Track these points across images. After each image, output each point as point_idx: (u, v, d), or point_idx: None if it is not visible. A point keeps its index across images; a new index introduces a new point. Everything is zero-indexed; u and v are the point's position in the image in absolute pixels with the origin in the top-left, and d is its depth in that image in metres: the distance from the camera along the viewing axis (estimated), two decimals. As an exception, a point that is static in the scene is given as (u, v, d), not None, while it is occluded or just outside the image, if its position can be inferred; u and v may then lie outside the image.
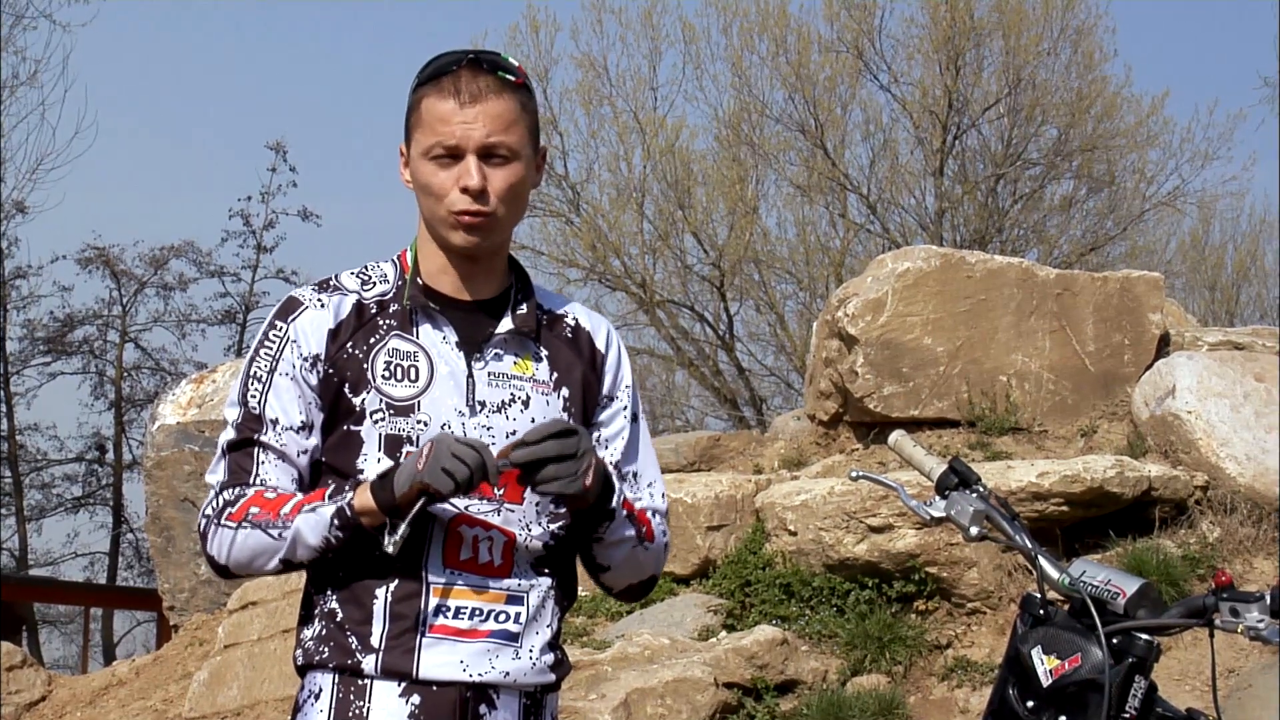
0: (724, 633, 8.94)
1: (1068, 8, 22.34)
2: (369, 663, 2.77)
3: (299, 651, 2.86)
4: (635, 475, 3.01)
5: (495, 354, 2.89)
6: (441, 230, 2.87)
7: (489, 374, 2.87)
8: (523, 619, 2.84)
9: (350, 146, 56.86)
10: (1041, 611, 3.06)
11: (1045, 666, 2.98)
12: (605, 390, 3.01)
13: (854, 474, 3.59)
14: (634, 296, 22.89)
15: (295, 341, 2.83)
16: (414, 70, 2.90)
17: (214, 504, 2.80)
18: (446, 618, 2.79)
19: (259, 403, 2.82)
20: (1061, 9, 22.30)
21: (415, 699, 2.78)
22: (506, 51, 3.11)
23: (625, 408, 3.04)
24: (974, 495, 3.22)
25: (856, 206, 23.22)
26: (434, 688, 2.78)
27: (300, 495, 2.78)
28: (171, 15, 52.51)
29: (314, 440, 2.84)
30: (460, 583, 2.80)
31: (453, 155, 2.82)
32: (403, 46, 57.65)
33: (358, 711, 2.78)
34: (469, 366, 2.86)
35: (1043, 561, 3.11)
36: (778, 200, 23.70)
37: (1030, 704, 3.00)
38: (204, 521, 2.80)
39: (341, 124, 56.47)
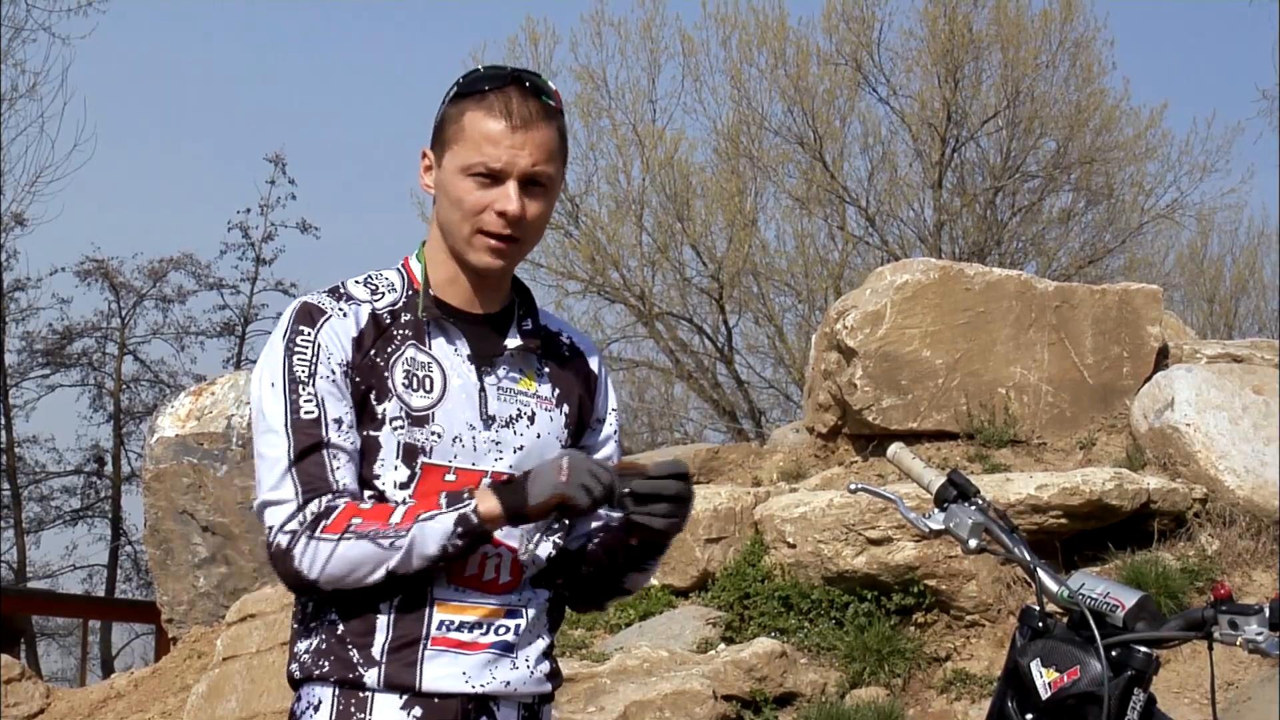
0: (723, 645, 8.93)
1: (1066, 20, 22.36)
2: (371, 676, 2.76)
3: (295, 665, 2.84)
4: None
5: (505, 369, 2.90)
6: (463, 248, 2.85)
7: (499, 388, 2.88)
8: (520, 630, 2.85)
9: (349, 159, 56.91)
10: (1040, 624, 3.06)
11: (1044, 679, 2.97)
12: (596, 413, 3.04)
13: (853, 486, 3.59)
14: (633, 309, 22.89)
15: (327, 348, 2.80)
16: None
17: (299, 518, 2.71)
18: (448, 631, 2.79)
19: (316, 405, 2.76)
20: (1060, 22, 22.32)
21: (417, 711, 2.77)
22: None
23: (615, 430, 3.07)
24: (973, 508, 3.22)
25: (855, 219, 23.23)
26: (436, 700, 2.78)
27: (404, 504, 2.74)
28: (170, 28, 52.58)
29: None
30: (464, 598, 2.80)
31: (494, 177, 2.81)
32: (401, 59, 57.73)
33: None
34: (480, 380, 2.86)
35: (1042, 574, 3.11)
36: (776, 212, 23.72)
37: (1029, 717, 3.00)
38: (287, 538, 2.71)
39: (340, 136, 56.51)
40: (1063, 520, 8.92)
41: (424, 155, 2.90)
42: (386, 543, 2.69)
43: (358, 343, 2.82)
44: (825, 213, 23.08)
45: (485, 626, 2.82)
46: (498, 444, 2.85)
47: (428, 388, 2.82)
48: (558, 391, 2.95)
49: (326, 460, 2.75)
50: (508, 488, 2.72)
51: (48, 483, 30.77)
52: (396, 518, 2.70)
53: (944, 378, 10.40)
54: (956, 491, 3.26)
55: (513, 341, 2.91)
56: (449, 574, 2.78)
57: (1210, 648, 3.01)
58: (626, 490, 2.73)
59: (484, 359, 2.88)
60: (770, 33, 22.68)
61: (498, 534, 2.81)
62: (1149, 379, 10.25)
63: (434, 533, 2.70)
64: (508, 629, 2.84)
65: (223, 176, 54.54)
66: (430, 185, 2.89)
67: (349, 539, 2.69)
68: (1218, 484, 9.27)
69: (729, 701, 8.36)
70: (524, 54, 22.97)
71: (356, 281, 2.92)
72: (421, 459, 2.79)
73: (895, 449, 3.53)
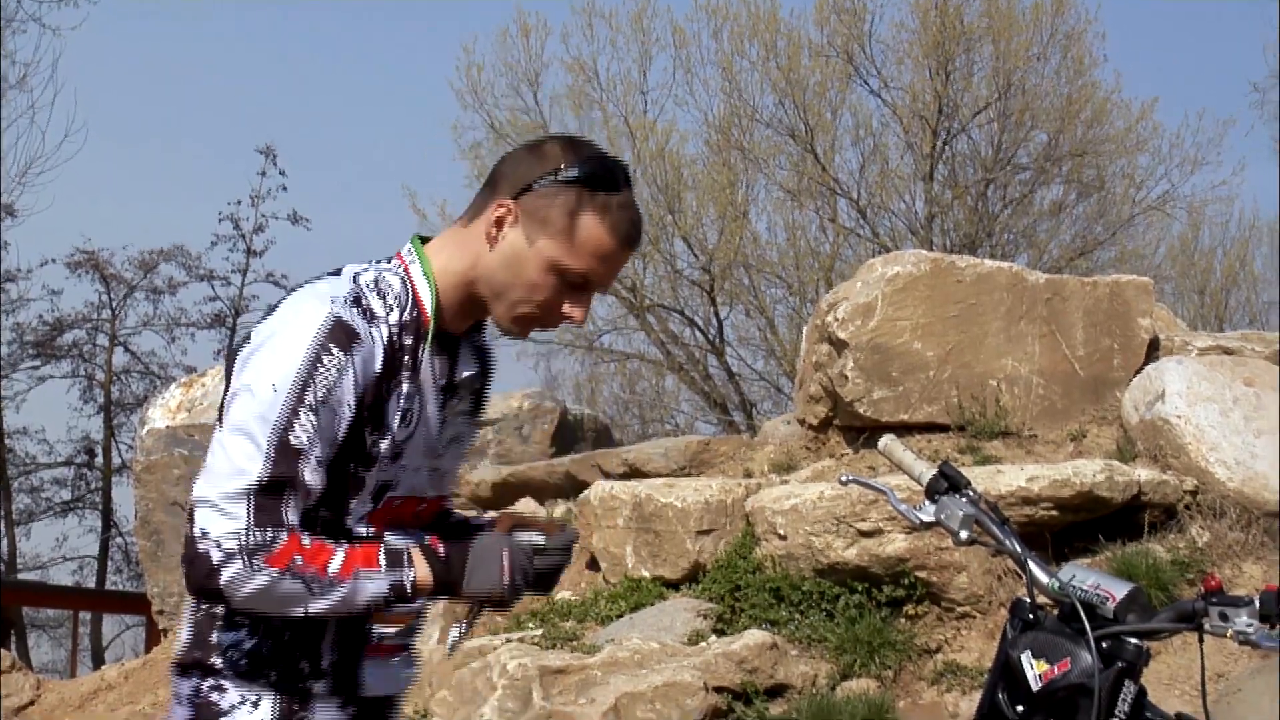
0: (714, 637, 8.93)
1: (1057, 13, 22.37)
2: (319, 686, 2.79)
3: (220, 659, 2.79)
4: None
5: (460, 394, 2.91)
6: (503, 314, 2.81)
7: (449, 414, 2.89)
8: (417, 630, 2.97)
9: (339, 150, 56.85)
10: (1031, 616, 3.05)
11: (1035, 671, 2.97)
12: (486, 402, 3.06)
13: (844, 478, 3.58)
14: (624, 301, 22.89)
15: (351, 379, 2.68)
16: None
17: (240, 540, 2.61)
18: (381, 639, 2.86)
19: (309, 437, 2.65)
20: (1051, 14, 22.33)
21: (351, 709, 2.84)
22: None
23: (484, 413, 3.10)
24: (964, 499, 3.22)
25: (846, 211, 23.24)
26: (368, 700, 2.87)
27: (341, 551, 2.68)
28: (161, 19, 52.49)
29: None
30: (397, 609, 2.84)
31: (581, 284, 2.78)
32: (392, 50, 57.66)
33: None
34: (443, 411, 2.86)
35: (1032, 566, 3.11)
36: (768, 205, 23.72)
37: (1020, 708, 2.99)
38: (220, 555, 2.61)
39: (331, 128, 56.44)
40: (1053, 512, 8.92)
41: (504, 207, 2.76)
42: (318, 588, 2.65)
43: (378, 376, 2.72)
44: (816, 205, 23.09)
45: (405, 630, 2.91)
46: (435, 470, 2.89)
47: (409, 421, 2.78)
48: (474, 401, 2.98)
49: (287, 497, 2.65)
50: (447, 566, 2.73)
51: (38, 474, 30.74)
52: (335, 566, 2.66)
53: (935, 370, 10.41)
54: (947, 483, 3.25)
55: (468, 364, 2.91)
56: None
57: (1201, 639, 3.01)
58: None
59: (450, 389, 2.87)
60: (761, 24, 22.68)
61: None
62: (1140, 371, 10.26)
63: (367, 591, 2.68)
64: (412, 630, 2.95)
65: (213, 168, 54.51)
66: (499, 238, 2.77)
67: (287, 577, 2.63)
68: (1208, 476, 9.28)
69: (720, 693, 8.36)
70: (515, 46, 23.02)
71: (369, 286, 2.77)
72: (390, 493, 2.80)
73: (886, 441, 3.52)
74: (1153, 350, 10.70)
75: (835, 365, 10.53)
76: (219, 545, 2.62)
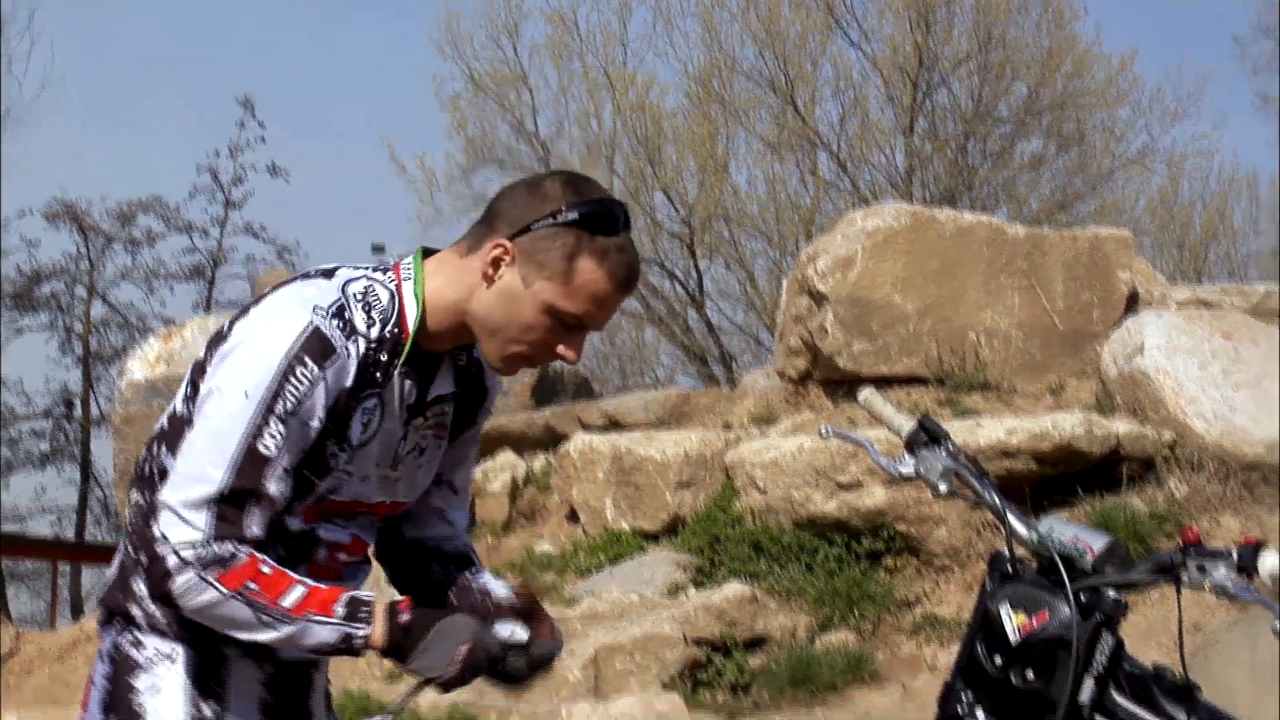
0: (693, 589, 8.96)
1: (1038, -36, 22.32)
2: (233, 650, 2.80)
3: (138, 610, 2.80)
4: (455, 487, 3.04)
5: (428, 414, 2.88)
6: (494, 351, 2.78)
7: (416, 431, 2.86)
8: None
9: (318, 102, 56.55)
10: (1010, 568, 3.05)
11: (1013, 623, 2.97)
12: (476, 426, 3.02)
13: (824, 431, 3.57)
14: (604, 253, 22.83)
15: (323, 392, 2.67)
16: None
17: (198, 551, 2.61)
18: None
19: (277, 446, 2.64)
20: (1032, -35, 22.29)
21: (269, 667, 2.85)
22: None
23: (479, 432, 3.05)
24: (943, 452, 3.21)
25: (827, 164, 23.21)
26: (286, 660, 2.87)
27: (301, 587, 2.67)
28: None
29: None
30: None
31: (575, 325, 2.74)
32: (371, 2, 57.32)
33: (219, 677, 2.81)
34: (405, 427, 2.83)
35: (1011, 519, 3.11)
36: (748, 157, 23.67)
37: (999, 660, 3.00)
38: (175, 561, 2.61)
39: (310, 79, 56.14)
40: (1032, 465, 8.95)
41: (502, 247, 2.71)
42: (269, 619, 2.64)
43: (348, 390, 2.72)
44: (797, 157, 23.05)
45: None
46: (386, 479, 2.86)
47: (366, 433, 2.77)
48: (451, 416, 2.93)
49: (249, 508, 2.64)
50: (404, 633, 2.69)
51: (16, 426, 30.68)
52: (288, 601, 2.65)
53: (915, 323, 10.41)
54: (927, 436, 3.24)
55: (445, 382, 2.87)
56: (312, 573, 2.76)
57: (1178, 592, 3.01)
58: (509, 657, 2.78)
59: (418, 408, 2.84)
60: (742, -24, 22.59)
61: (353, 537, 2.87)
62: (1119, 324, 10.28)
63: (316, 635, 2.66)
64: None
65: (191, 119, 54.22)
66: (495, 278, 2.74)
67: (237, 600, 2.62)
68: (1186, 429, 9.30)
69: (699, 645, 8.39)
70: (496, -4, 22.89)
71: (356, 297, 2.75)
72: (332, 496, 2.79)
73: (866, 393, 3.52)
74: (1132, 303, 10.72)
75: (815, 318, 10.53)
76: (176, 553, 2.62)
